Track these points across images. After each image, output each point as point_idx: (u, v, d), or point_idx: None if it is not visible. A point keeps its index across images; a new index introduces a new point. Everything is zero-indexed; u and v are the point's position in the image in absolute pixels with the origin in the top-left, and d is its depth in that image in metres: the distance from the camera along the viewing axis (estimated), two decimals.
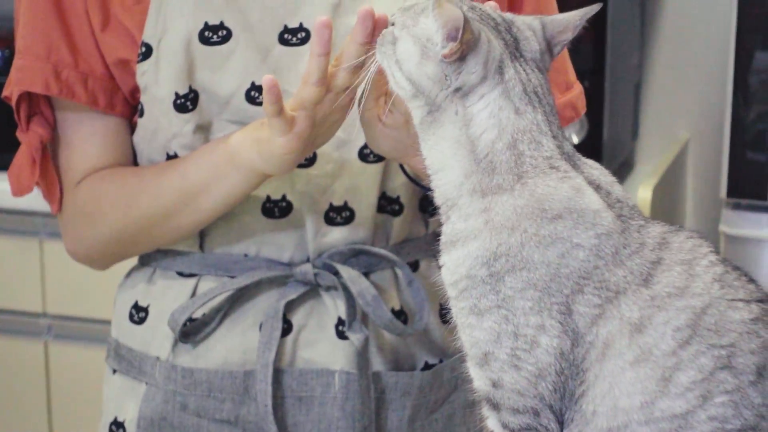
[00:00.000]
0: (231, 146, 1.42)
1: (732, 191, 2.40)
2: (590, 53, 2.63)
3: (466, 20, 1.14)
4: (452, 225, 1.20)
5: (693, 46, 3.00)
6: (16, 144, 1.54)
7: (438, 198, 1.22)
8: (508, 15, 1.24)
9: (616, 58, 2.73)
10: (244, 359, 1.51)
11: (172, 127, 1.49)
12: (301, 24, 1.47)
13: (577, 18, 1.25)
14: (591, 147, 2.63)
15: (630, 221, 1.18)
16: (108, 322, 1.64)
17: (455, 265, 1.18)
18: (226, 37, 1.46)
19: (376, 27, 1.28)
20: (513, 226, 1.16)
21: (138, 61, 1.48)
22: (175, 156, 1.50)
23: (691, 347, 1.13)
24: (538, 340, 1.15)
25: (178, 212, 1.48)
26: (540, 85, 1.21)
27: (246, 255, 1.52)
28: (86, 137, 1.53)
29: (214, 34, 1.47)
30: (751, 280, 1.18)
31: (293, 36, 1.47)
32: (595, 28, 2.64)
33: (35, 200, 1.58)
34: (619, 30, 2.75)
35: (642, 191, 2.50)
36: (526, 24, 1.23)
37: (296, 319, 1.52)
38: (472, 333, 1.18)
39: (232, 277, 1.52)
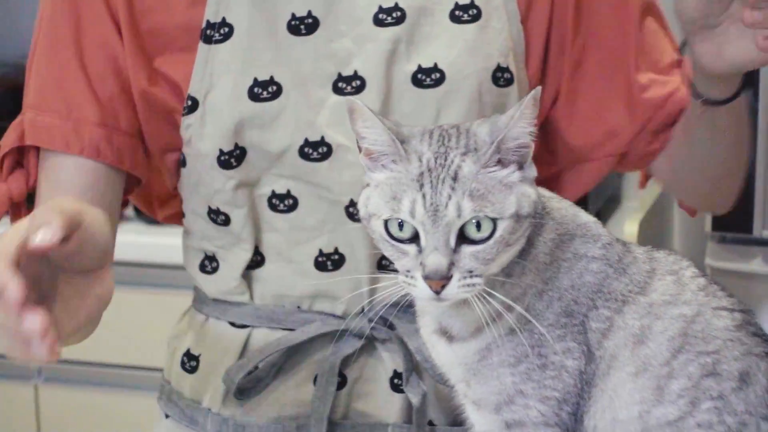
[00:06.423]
0: None
1: (717, 225, 2.39)
2: None
3: None
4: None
5: None
6: None
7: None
8: None
9: None
10: (297, 412, 1.48)
11: (214, 183, 1.45)
12: (355, 72, 1.43)
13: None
14: None
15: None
16: (97, 365, 1.63)
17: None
18: (277, 93, 1.42)
19: None
20: (549, 260, 1.19)
21: (183, 114, 1.44)
22: (218, 210, 1.47)
23: (682, 356, 1.16)
24: (565, 364, 1.17)
25: None
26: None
27: (299, 307, 1.49)
28: (80, 192, 1.45)
29: (264, 90, 1.42)
30: (731, 295, 1.22)
31: (348, 84, 1.43)
32: None
33: None
34: None
35: (628, 226, 2.51)
36: None
37: (350, 371, 1.48)
38: (502, 380, 1.18)
39: (285, 329, 1.48)
